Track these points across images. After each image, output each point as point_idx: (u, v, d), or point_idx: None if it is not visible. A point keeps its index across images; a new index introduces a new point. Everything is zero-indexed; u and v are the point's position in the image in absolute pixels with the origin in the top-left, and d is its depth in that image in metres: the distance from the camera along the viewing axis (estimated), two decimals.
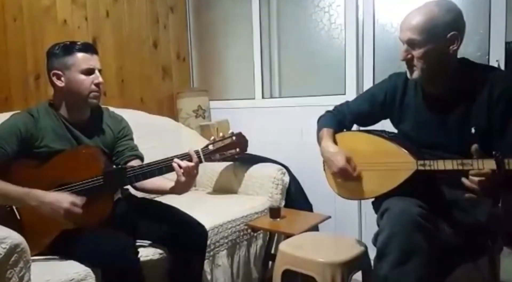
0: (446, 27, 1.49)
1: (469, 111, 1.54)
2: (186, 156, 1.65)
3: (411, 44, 1.54)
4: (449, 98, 1.59)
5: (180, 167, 1.63)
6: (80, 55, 1.73)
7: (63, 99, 1.78)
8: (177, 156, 1.66)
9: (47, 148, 1.71)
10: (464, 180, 1.38)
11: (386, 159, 1.64)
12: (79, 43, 1.76)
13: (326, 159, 1.79)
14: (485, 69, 1.59)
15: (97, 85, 1.76)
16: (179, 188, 1.72)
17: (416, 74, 1.57)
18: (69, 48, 1.73)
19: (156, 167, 1.66)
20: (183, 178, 1.64)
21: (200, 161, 1.66)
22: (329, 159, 1.76)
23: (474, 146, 1.36)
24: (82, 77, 1.73)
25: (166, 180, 1.78)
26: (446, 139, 1.59)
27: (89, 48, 1.77)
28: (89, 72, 1.74)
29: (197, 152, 1.65)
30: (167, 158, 1.67)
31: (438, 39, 1.50)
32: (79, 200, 1.63)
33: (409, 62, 1.57)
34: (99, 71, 1.78)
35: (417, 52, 1.53)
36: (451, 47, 1.51)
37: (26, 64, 2.55)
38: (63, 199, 1.61)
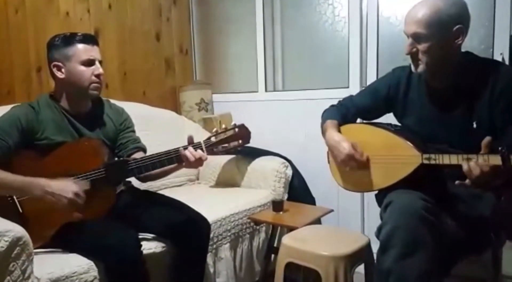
0: (451, 20, 1.48)
1: (472, 106, 1.54)
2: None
3: (416, 37, 1.52)
4: (453, 93, 1.58)
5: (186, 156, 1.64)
6: (80, 46, 1.72)
7: (64, 91, 1.77)
8: (179, 148, 1.66)
9: (48, 140, 1.70)
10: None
11: (391, 152, 1.63)
12: (79, 34, 1.75)
13: (332, 147, 1.78)
14: (490, 64, 1.58)
15: (97, 76, 1.75)
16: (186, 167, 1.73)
17: (421, 68, 1.56)
18: (69, 39, 1.73)
19: (158, 159, 1.67)
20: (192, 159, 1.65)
21: None
22: (335, 147, 1.75)
23: (487, 139, 1.36)
24: (83, 68, 1.72)
25: None
26: (449, 133, 1.59)
27: (90, 39, 1.76)
28: (89, 63, 1.73)
29: (199, 144, 1.66)
30: (169, 150, 1.67)
31: (443, 32, 1.49)
32: (82, 190, 1.61)
33: (414, 56, 1.56)
34: (100, 62, 1.77)
35: (422, 46, 1.52)
36: (456, 40, 1.50)
37: (28, 57, 2.54)
38: (67, 188, 1.59)
